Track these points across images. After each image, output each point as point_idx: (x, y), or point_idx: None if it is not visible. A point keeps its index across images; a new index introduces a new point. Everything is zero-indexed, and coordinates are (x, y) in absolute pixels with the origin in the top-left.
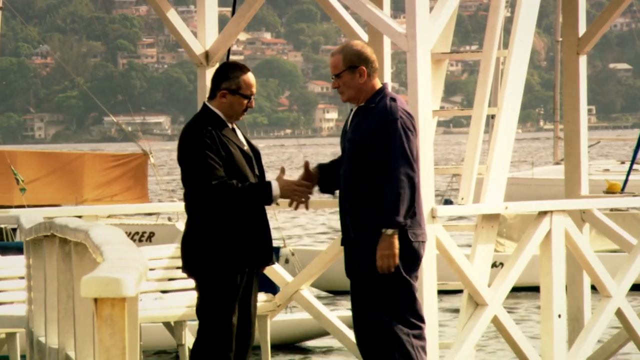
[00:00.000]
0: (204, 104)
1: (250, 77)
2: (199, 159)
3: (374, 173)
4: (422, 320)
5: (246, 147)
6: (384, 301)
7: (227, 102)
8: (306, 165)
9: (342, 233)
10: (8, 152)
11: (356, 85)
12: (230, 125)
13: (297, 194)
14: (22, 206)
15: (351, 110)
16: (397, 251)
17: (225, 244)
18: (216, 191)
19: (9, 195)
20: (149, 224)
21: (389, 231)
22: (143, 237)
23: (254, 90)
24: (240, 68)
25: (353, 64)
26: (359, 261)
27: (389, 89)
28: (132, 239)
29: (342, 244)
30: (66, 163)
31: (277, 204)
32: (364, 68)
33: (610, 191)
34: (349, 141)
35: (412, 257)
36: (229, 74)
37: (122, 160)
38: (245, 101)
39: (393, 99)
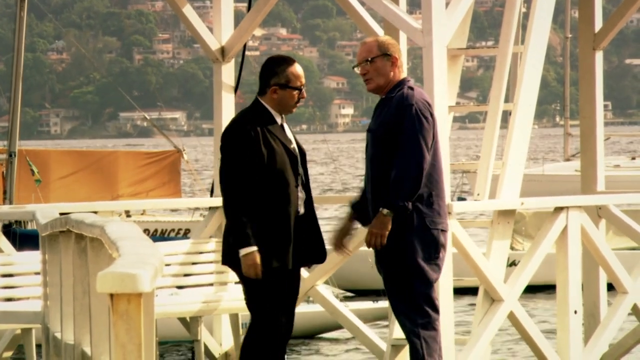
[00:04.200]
0: (256, 99)
1: (297, 68)
2: (234, 157)
3: (392, 161)
4: (435, 310)
5: (293, 146)
6: (399, 287)
7: (278, 97)
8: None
9: None
10: (42, 151)
11: (387, 73)
12: (279, 122)
13: (249, 272)
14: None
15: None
16: (386, 232)
17: (259, 244)
18: (229, 194)
19: (43, 192)
20: (185, 221)
21: (385, 211)
22: (179, 234)
23: (303, 80)
24: (287, 61)
25: (388, 52)
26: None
27: (409, 80)
28: (167, 235)
29: None
30: (100, 161)
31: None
32: (397, 58)
33: None
34: (370, 131)
35: (430, 245)
36: (276, 69)
37: (156, 157)
38: (296, 93)
39: (411, 88)
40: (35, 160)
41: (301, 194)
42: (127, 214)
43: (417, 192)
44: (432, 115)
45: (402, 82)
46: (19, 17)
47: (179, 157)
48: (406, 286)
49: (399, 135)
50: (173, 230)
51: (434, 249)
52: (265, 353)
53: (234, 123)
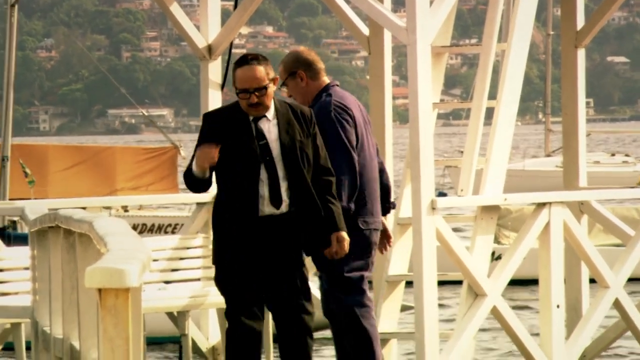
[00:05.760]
0: None
1: (243, 71)
2: (198, 141)
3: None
4: (369, 300)
5: (264, 142)
6: (333, 288)
7: (237, 96)
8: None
9: None
10: (40, 145)
11: (300, 90)
12: (251, 117)
13: (199, 158)
14: None
15: None
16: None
17: (216, 234)
18: (184, 178)
19: (41, 187)
20: (181, 216)
21: None
22: (176, 229)
23: (252, 84)
24: (239, 62)
25: (291, 70)
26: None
27: (334, 86)
28: (164, 231)
29: None
30: (97, 156)
31: (206, 176)
32: (302, 72)
33: None
34: None
35: (364, 246)
36: (233, 69)
37: (154, 153)
38: (243, 95)
39: (329, 94)
40: (32, 155)
41: (262, 192)
42: (125, 208)
43: (356, 190)
44: (351, 116)
45: (325, 89)
46: (9, 23)
47: (175, 153)
48: (341, 285)
49: (325, 142)
50: (170, 225)
51: (367, 250)
52: (233, 350)
53: (207, 112)
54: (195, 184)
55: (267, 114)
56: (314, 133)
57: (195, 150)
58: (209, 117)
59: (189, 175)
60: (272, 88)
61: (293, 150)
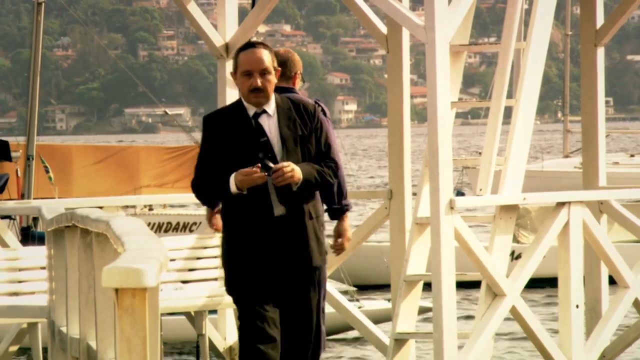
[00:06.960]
0: None
1: (250, 52)
2: (201, 146)
3: None
4: None
5: (264, 139)
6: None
7: (237, 84)
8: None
9: None
10: (63, 146)
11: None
12: (250, 114)
13: (247, 180)
14: None
15: None
16: None
17: (226, 242)
18: (193, 189)
19: (66, 187)
20: (203, 215)
21: None
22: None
23: (256, 65)
24: (244, 46)
25: None
26: None
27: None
28: (189, 229)
29: None
30: (121, 156)
31: (243, 192)
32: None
33: None
34: None
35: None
36: (234, 56)
37: (177, 152)
38: (246, 78)
39: None
40: (56, 155)
41: (268, 191)
42: (149, 207)
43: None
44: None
45: None
46: (35, 22)
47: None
48: None
49: None
50: (195, 223)
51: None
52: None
53: (206, 115)
54: (215, 197)
55: (267, 110)
56: (316, 127)
57: (200, 155)
58: (208, 120)
59: (205, 186)
60: (274, 76)
61: (294, 146)
